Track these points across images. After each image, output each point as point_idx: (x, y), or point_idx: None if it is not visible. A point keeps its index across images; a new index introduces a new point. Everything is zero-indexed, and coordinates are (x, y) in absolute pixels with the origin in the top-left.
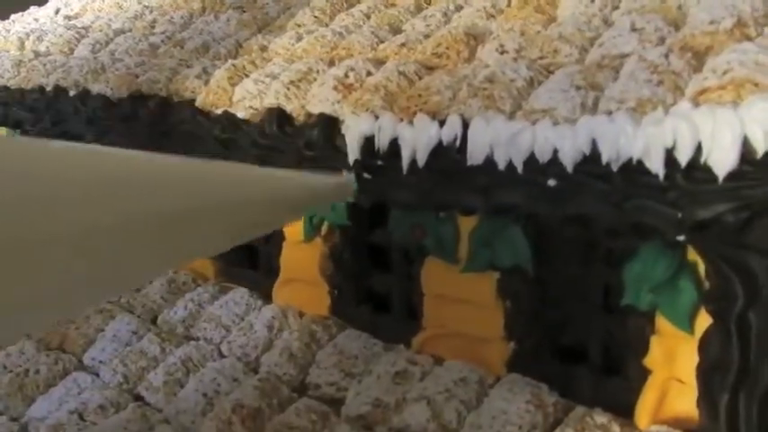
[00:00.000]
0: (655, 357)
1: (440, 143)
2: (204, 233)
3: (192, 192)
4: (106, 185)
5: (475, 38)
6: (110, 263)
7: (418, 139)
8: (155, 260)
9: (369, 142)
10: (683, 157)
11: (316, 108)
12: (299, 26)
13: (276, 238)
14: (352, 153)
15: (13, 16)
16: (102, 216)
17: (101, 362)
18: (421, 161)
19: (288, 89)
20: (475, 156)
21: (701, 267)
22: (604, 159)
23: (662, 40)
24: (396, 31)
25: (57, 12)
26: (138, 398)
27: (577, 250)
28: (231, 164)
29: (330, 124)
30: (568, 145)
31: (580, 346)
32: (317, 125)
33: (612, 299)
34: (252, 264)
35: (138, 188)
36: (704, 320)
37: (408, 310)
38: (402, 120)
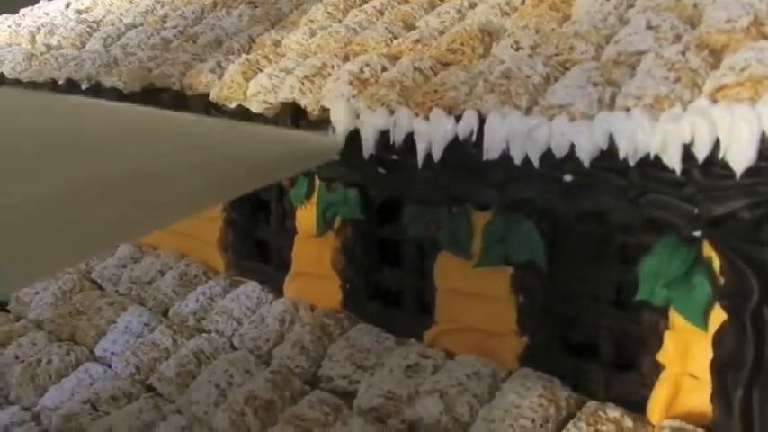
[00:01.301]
0: (668, 352)
1: (455, 138)
2: (189, 189)
3: (177, 148)
4: (94, 141)
5: (489, 34)
6: (96, 219)
7: (434, 133)
8: (138, 218)
9: (384, 137)
10: (701, 153)
11: (330, 103)
12: (312, 22)
13: (287, 232)
14: (368, 148)
15: (23, 10)
16: (92, 172)
17: (112, 353)
18: (436, 156)
19: (302, 84)
20: (491, 151)
21: (716, 263)
22: (621, 155)
23: (678, 38)
24: (409, 27)
25: (67, 6)
26: (151, 389)
27: (591, 246)
28: (219, 120)
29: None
30: (585, 140)
31: (592, 341)
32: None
33: (625, 294)
34: (263, 257)
35: (122, 145)
36: (718, 316)
37: (420, 304)
38: (418, 115)
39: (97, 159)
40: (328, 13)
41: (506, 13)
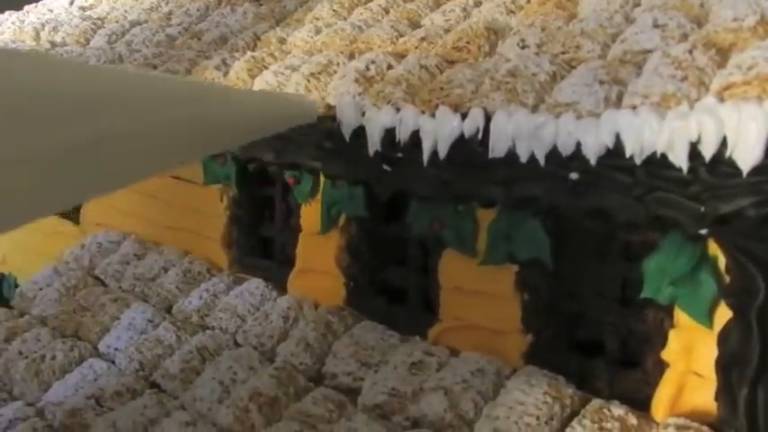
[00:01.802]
0: (673, 350)
1: (461, 136)
2: (170, 146)
3: (157, 107)
4: (70, 101)
5: (495, 32)
6: (71, 175)
7: (440, 131)
8: (113, 172)
9: (389, 134)
10: (708, 152)
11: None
12: (317, 19)
13: (292, 230)
14: (373, 145)
15: (27, 7)
16: (73, 132)
17: (116, 349)
18: (442, 153)
19: (308, 81)
20: (497, 148)
21: (722, 261)
22: (628, 153)
23: (685, 37)
24: (415, 25)
25: (71, 3)
26: (154, 385)
27: (596, 244)
28: (199, 82)
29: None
30: (592, 138)
31: (597, 338)
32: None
33: (630, 292)
34: (266, 254)
35: (96, 104)
36: (723, 314)
37: (424, 302)
38: (424, 112)
39: (72, 118)
40: (334, 10)
41: (512, 12)
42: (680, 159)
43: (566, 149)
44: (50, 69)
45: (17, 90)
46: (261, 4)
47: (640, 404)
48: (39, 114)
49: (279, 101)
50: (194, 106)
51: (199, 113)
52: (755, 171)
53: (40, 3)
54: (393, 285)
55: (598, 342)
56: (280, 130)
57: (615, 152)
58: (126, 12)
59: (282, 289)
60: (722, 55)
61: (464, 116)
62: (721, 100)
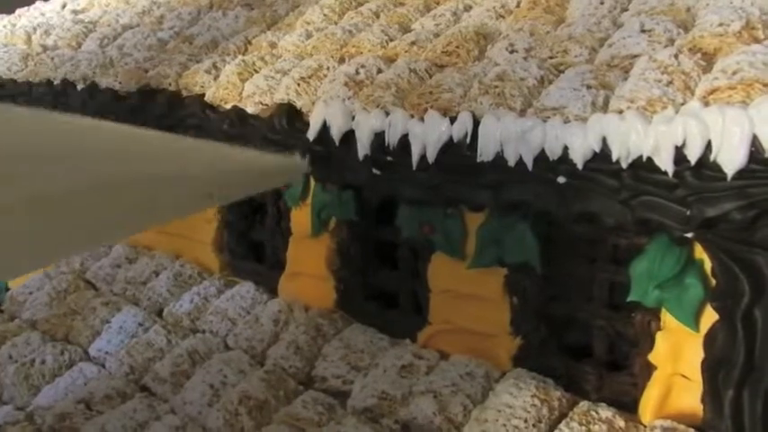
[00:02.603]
0: (660, 353)
1: (450, 140)
2: (149, 203)
3: (139, 162)
4: (42, 155)
5: (485, 37)
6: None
7: (429, 135)
8: (85, 231)
9: (379, 138)
10: (693, 155)
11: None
12: (308, 24)
13: (283, 233)
14: (362, 149)
15: (18, 11)
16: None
17: (107, 353)
18: (431, 157)
19: (298, 85)
20: (485, 152)
21: (708, 264)
22: (614, 157)
23: (671, 42)
24: (405, 29)
25: (63, 6)
26: (144, 388)
27: (583, 247)
28: (178, 137)
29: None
30: (579, 142)
31: (585, 342)
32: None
33: (617, 296)
34: (257, 258)
35: (68, 159)
36: (709, 317)
37: (414, 305)
38: (413, 116)
39: (42, 173)
40: (324, 15)
41: (501, 16)
42: (666, 163)
43: (553, 153)
44: (31, 122)
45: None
46: (252, 9)
47: (628, 407)
48: (14, 166)
49: (264, 161)
50: (170, 163)
51: (176, 171)
52: (740, 175)
53: (32, 6)
54: (383, 289)
55: (586, 345)
56: (260, 190)
57: (602, 156)
58: (118, 15)
59: (273, 292)
60: (708, 60)
61: (453, 120)
62: (706, 104)
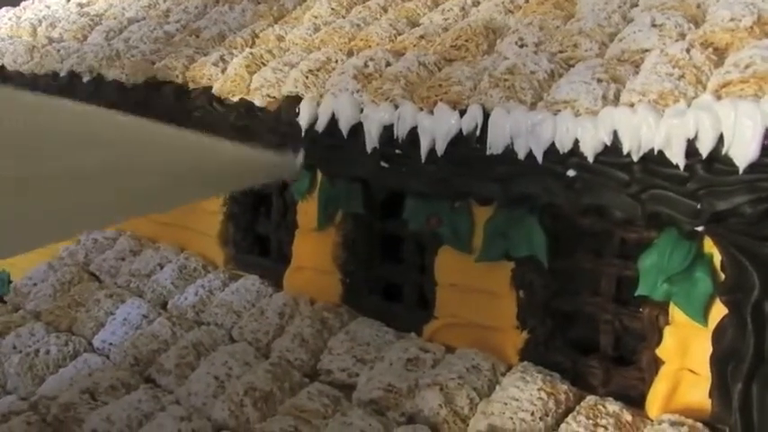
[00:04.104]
0: (668, 348)
1: (459, 133)
2: (145, 192)
3: (136, 154)
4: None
5: (494, 31)
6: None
7: (438, 128)
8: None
9: (388, 131)
10: (705, 149)
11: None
12: (315, 17)
13: (288, 226)
14: (371, 142)
15: (23, 3)
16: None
17: (111, 344)
18: (440, 150)
19: (306, 78)
20: (495, 145)
21: (717, 258)
22: (625, 150)
23: (682, 36)
24: (413, 23)
25: None
26: (149, 380)
27: (591, 241)
28: (180, 131)
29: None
30: (590, 135)
31: (592, 336)
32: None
33: (625, 290)
34: (262, 251)
35: (52, 142)
36: (718, 311)
37: (420, 299)
38: (422, 109)
39: (22, 155)
40: (332, 8)
41: (510, 11)
42: (677, 156)
43: (563, 146)
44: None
45: None
46: (259, 2)
47: (635, 401)
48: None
49: (259, 157)
50: (160, 154)
51: (163, 161)
52: (751, 168)
53: None
54: (389, 282)
55: (593, 339)
56: (247, 185)
57: (612, 149)
58: (124, 9)
59: (278, 286)
60: (719, 54)
61: (462, 113)
62: (718, 98)
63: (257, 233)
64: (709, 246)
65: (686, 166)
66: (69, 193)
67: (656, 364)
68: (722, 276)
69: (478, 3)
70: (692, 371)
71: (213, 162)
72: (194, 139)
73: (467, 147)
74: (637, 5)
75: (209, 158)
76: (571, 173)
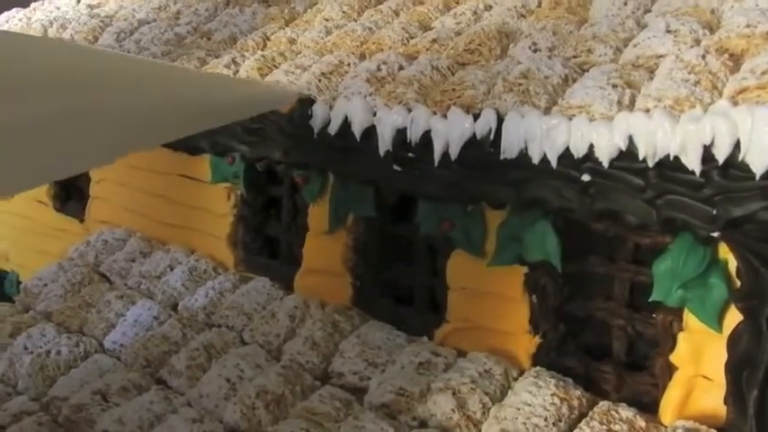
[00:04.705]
0: (682, 354)
1: (473, 136)
2: (150, 126)
3: (139, 89)
4: (49, 76)
5: (507, 35)
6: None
7: (451, 131)
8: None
9: (400, 134)
10: (721, 155)
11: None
12: (327, 20)
13: (298, 229)
14: (384, 145)
15: (33, 4)
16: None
17: (122, 345)
18: (454, 154)
19: (319, 80)
20: (509, 149)
21: (732, 264)
22: (641, 155)
23: (697, 42)
24: (425, 27)
25: (78, 1)
26: (160, 381)
27: (604, 246)
28: (183, 68)
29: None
30: (605, 140)
31: (605, 341)
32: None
33: (638, 295)
34: (271, 254)
35: (67, 81)
36: (733, 318)
37: (431, 302)
38: (435, 113)
39: (42, 92)
40: (343, 12)
41: (522, 16)
42: (693, 162)
43: (578, 151)
44: (27, 46)
45: None
46: (269, 5)
47: (648, 407)
48: (16, 87)
49: (255, 86)
50: (169, 87)
51: (173, 94)
52: None
53: (47, 0)
54: (400, 285)
55: (605, 344)
56: (254, 113)
57: (628, 154)
58: (134, 10)
59: (287, 288)
60: (734, 60)
61: (476, 117)
62: (735, 104)
63: (267, 235)
64: (725, 251)
65: (702, 172)
66: (81, 130)
67: (670, 369)
68: (737, 282)
69: (490, 7)
70: (706, 377)
71: (219, 93)
72: (197, 74)
73: (480, 151)
74: (650, 11)
75: (215, 90)
76: (586, 177)
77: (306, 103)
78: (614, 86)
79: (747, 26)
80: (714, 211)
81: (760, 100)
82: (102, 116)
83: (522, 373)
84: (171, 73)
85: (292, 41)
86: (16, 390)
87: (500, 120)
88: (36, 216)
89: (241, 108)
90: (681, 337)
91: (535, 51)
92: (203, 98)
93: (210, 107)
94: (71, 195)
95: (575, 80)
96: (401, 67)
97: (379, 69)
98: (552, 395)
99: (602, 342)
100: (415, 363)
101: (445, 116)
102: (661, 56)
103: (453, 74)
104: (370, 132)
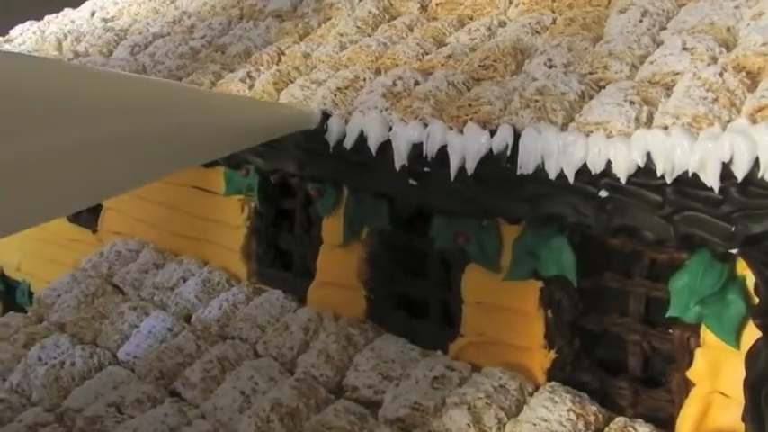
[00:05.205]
0: (699, 370)
1: (489, 152)
2: (170, 152)
3: (152, 113)
4: (71, 104)
5: (522, 52)
6: (71, 179)
7: (468, 147)
8: (128, 175)
9: (416, 149)
10: (740, 172)
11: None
12: (341, 35)
13: (312, 242)
14: (400, 159)
15: (47, 17)
16: (68, 134)
17: (136, 357)
18: (470, 169)
19: (335, 95)
20: (526, 165)
21: (750, 281)
22: (659, 172)
23: (714, 60)
24: (440, 43)
25: (92, 14)
26: (174, 393)
27: (620, 261)
28: (196, 88)
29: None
30: (623, 156)
31: (620, 357)
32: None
33: (653, 311)
34: (285, 266)
35: (98, 109)
36: (751, 334)
37: (445, 316)
38: (452, 128)
39: (73, 122)
40: (357, 27)
41: (537, 32)
42: (712, 179)
43: (595, 167)
44: (47, 72)
45: (9, 92)
46: (284, 20)
47: (664, 424)
48: (31, 116)
49: (276, 108)
50: (191, 112)
51: (195, 119)
52: None
53: (61, 13)
54: (414, 299)
55: (621, 360)
56: (277, 136)
57: (645, 171)
58: (148, 24)
59: (301, 301)
60: (752, 78)
61: (492, 133)
62: (753, 122)
63: (280, 248)
64: (742, 268)
65: (720, 189)
66: (95, 161)
67: (687, 386)
68: (755, 299)
69: (505, 24)
70: (723, 394)
71: (239, 117)
72: (219, 97)
73: (497, 166)
74: (665, 29)
75: (235, 114)
76: (603, 194)
77: (321, 117)
78: (632, 103)
79: (764, 44)
80: (732, 228)
81: None
82: (118, 147)
83: (537, 388)
84: (187, 96)
85: (307, 56)
86: (30, 401)
87: (517, 135)
88: (48, 226)
89: (261, 132)
90: (698, 353)
91: (550, 68)
92: (223, 122)
93: (230, 131)
94: None
95: (591, 97)
96: (417, 83)
97: (394, 85)
98: (568, 410)
99: (617, 357)
100: (430, 377)
101: (461, 131)
102: (678, 73)
103: (469, 89)
104: (386, 147)
